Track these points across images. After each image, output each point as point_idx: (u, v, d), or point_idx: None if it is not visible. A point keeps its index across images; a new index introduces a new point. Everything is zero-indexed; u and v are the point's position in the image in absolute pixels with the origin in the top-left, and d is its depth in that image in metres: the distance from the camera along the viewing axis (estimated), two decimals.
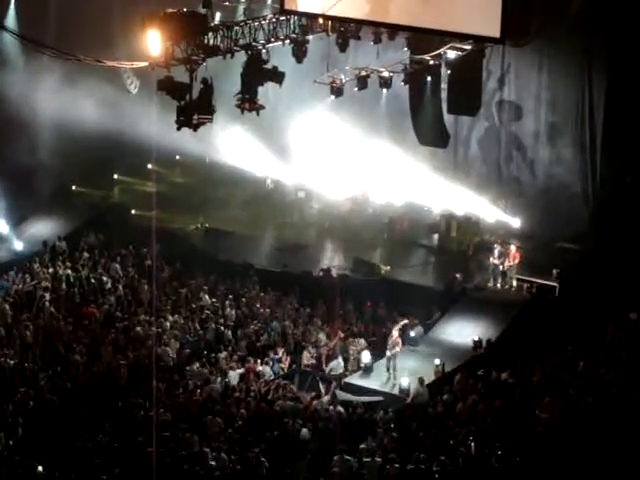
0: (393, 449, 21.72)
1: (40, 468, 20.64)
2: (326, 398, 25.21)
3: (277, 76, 23.21)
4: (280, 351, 28.53)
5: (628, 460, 19.99)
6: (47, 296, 30.31)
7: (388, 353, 27.69)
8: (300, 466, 21.49)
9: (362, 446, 21.84)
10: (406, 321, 29.07)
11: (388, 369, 27.52)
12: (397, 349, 27.75)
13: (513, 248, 32.73)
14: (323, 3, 21.69)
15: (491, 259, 32.87)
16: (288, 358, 28.54)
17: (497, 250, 32.77)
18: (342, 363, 27.98)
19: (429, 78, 32.27)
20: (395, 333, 28.00)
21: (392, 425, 23.53)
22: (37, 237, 35.96)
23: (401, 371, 27.12)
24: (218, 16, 32.42)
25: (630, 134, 33.84)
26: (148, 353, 26.56)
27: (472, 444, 21.33)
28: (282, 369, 27.97)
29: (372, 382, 27.11)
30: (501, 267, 32.39)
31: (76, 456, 21.27)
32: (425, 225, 38.35)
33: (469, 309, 30.91)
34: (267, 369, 27.26)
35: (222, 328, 29.52)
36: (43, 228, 36.90)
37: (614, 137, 34.72)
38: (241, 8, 35.38)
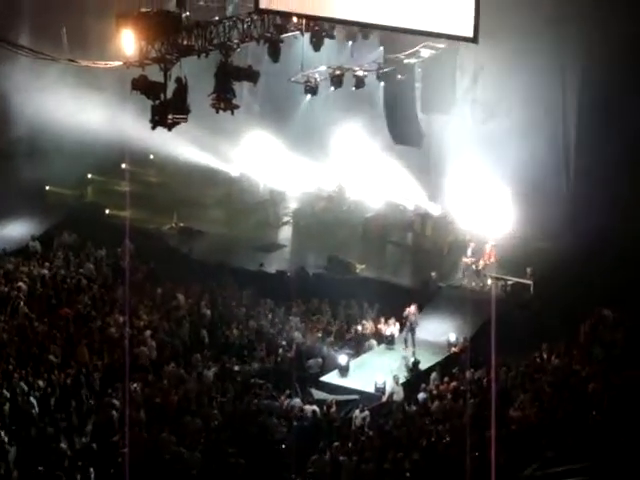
0: (369, 448, 21.75)
1: (15, 471, 20.60)
2: (301, 397, 25.23)
3: (252, 75, 23.23)
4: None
5: (604, 456, 20.09)
6: (22, 296, 30.12)
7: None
8: (276, 465, 21.49)
9: (336, 444, 21.86)
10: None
11: (406, 341, 28.60)
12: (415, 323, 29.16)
13: (488, 247, 32.85)
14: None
15: (465, 258, 32.99)
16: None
17: (471, 249, 32.86)
18: (320, 362, 28.07)
19: (403, 77, 32.31)
20: (412, 309, 29.28)
21: (367, 423, 23.56)
22: (10, 237, 35.65)
23: (378, 369, 27.18)
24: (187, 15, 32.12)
25: (604, 132, 33.96)
26: (123, 353, 26.48)
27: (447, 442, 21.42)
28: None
29: (348, 381, 27.13)
30: (474, 266, 32.49)
31: (51, 457, 21.17)
32: (400, 224, 38.37)
33: (444, 308, 31.00)
34: (244, 368, 27.22)
35: (197, 328, 29.48)
36: (17, 228, 36.62)
37: (588, 135, 34.82)
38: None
